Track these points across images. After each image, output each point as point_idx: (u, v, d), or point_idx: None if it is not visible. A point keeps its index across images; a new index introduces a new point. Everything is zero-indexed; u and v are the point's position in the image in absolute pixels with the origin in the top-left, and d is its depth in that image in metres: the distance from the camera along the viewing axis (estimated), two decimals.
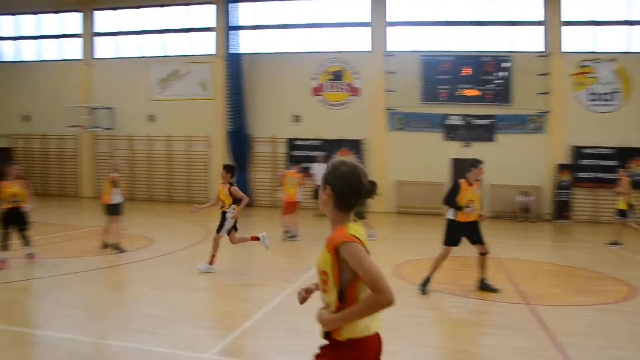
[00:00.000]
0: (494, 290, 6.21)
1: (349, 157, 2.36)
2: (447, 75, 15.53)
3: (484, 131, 15.28)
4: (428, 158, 15.44)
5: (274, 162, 16.27)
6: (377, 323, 2.01)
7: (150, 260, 7.79)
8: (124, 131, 17.68)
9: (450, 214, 6.19)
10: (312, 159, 14.93)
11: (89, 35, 18.19)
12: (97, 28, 18.27)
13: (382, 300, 1.83)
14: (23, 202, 7.03)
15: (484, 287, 6.24)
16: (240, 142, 16.11)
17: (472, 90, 15.44)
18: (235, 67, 16.00)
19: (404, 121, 15.77)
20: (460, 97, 15.40)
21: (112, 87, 17.67)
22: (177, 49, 17.36)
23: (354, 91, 16.00)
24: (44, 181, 18.95)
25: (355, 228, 2.02)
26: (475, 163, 6.27)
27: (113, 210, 8.42)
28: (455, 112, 15.43)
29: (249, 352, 4.30)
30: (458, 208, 6.01)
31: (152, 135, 17.44)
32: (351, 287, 1.91)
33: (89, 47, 18.19)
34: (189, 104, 16.94)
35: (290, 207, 10.03)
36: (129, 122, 17.53)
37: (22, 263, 7.04)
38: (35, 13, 18.93)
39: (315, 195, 13.97)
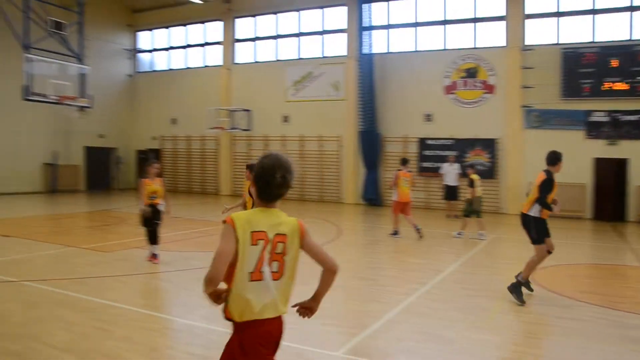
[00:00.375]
0: (530, 290, 7.59)
1: (279, 151, 2.95)
2: (591, 69, 18.81)
3: (632, 128, 17.81)
4: (568, 158, 18.29)
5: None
6: (250, 310, 2.71)
7: None
8: (260, 132, 23.84)
9: (534, 211, 7.29)
10: (443, 159, 18.91)
11: (229, 42, 24.59)
12: (237, 35, 24.32)
13: (204, 280, 2.66)
14: (159, 200, 9.20)
15: (526, 285, 7.51)
16: (371, 141, 21.01)
17: (620, 84, 18.29)
18: (367, 67, 21.33)
19: (541, 119, 19.13)
20: (606, 92, 18.57)
21: (250, 90, 24.33)
22: (311, 52, 22.96)
23: (489, 88, 19.82)
24: (187, 179, 26.44)
25: (249, 213, 2.82)
26: (560, 156, 7.48)
27: None
28: (599, 108, 18.54)
29: (379, 353, 5.12)
30: (547, 206, 7.14)
31: (286, 136, 23.11)
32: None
33: (229, 53, 24.88)
34: (322, 105, 22.35)
35: (402, 207, 13.08)
36: (265, 123, 23.70)
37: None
38: (184, 24, 25.66)
39: (446, 196, 18.05)
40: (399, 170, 13.45)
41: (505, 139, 20.17)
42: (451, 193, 18.54)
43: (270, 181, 2.81)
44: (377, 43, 22.29)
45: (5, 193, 22.27)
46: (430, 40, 21.64)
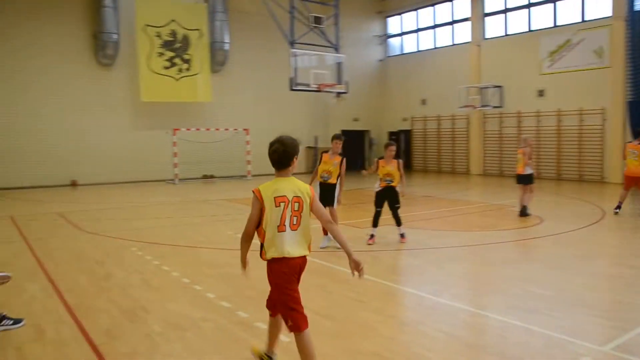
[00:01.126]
0: None
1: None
2: None
3: None
4: None
5: None
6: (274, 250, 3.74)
7: (539, 240, 9.60)
8: (512, 108, 22.64)
9: None
10: None
11: (478, 17, 23.78)
12: (487, 9, 23.30)
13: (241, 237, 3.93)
14: (395, 182, 9.01)
15: None
16: None
17: None
18: (639, 26, 18.02)
19: None
20: None
21: (501, 65, 23.31)
22: (568, 17, 20.95)
23: None
24: (437, 159, 26.21)
25: (274, 183, 3.80)
26: None
27: (526, 179, 12.42)
28: None
29: None
30: None
31: (541, 111, 21.66)
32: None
33: (478, 29, 24.20)
34: (582, 75, 20.55)
35: (630, 182, 12.18)
36: (518, 98, 22.43)
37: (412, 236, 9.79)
38: (432, 5, 25.67)
39: None
40: (629, 142, 12.41)
41: None
42: None
43: (269, 154, 3.84)
44: None
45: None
46: None
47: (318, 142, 27.11)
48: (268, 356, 4.23)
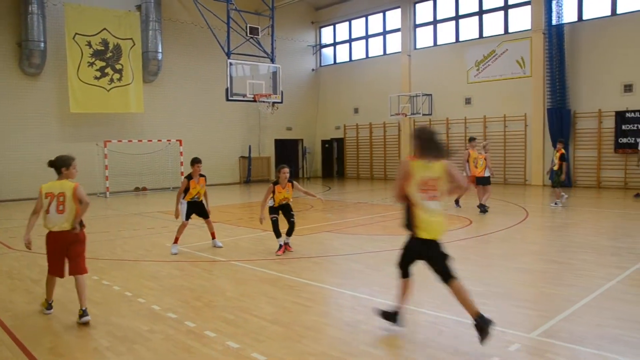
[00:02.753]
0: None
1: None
2: None
3: None
4: None
5: (599, 138, 18.75)
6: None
7: (469, 240, 10.15)
8: (441, 115, 23.58)
9: None
10: None
11: (408, 28, 24.72)
12: (417, 20, 24.22)
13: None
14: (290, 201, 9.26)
15: None
16: (560, 119, 19.70)
17: None
18: (556, 39, 20.21)
19: None
20: None
21: (431, 75, 24.18)
22: (493, 29, 22.12)
23: None
24: (370, 166, 27.51)
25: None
26: None
27: (485, 181, 14.12)
28: None
29: (576, 337, 4.92)
30: None
31: (469, 118, 22.63)
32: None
33: (408, 40, 25.14)
34: (506, 84, 21.61)
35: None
36: (446, 106, 23.42)
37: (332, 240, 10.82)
38: (364, 16, 26.38)
39: None
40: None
41: None
42: None
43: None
44: (566, 12, 20.64)
45: (209, 184, 24.85)
46: (631, 1, 19.47)
47: (252, 152, 27.19)
48: None
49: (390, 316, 5.23)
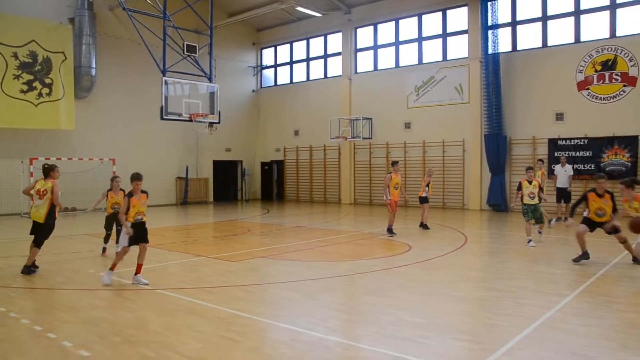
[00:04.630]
0: None
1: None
2: None
3: None
4: None
5: (534, 164, 19.16)
6: None
7: (408, 267, 9.90)
8: (381, 139, 23.62)
9: None
10: (577, 160, 18.16)
11: (349, 52, 24.72)
12: (358, 45, 24.33)
13: None
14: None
15: None
16: (497, 144, 20.08)
17: None
18: (492, 67, 20.56)
19: None
20: None
21: (371, 99, 24.24)
22: (432, 56, 22.33)
23: (629, 81, 18.49)
24: (310, 189, 27.22)
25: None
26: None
27: (424, 200, 15.61)
28: None
29: None
30: None
31: (408, 142, 22.63)
32: None
33: (349, 64, 24.92)
34: (444, 109, 21.87)
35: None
36: (386, 130, 23.50)
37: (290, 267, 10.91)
38: (305, 38, 26.28)
39: (558, 199, 17.19)
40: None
41: None
42: (563, 195, 17.09)
43: None
44: (502, 42, 21.20)
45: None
46: (561, 34, 20.21)
47: (189, 173, 26.40)
48: None
49: None
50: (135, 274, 8.57)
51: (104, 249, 11.51)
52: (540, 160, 17.87)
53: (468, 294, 7.97)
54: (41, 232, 9.51)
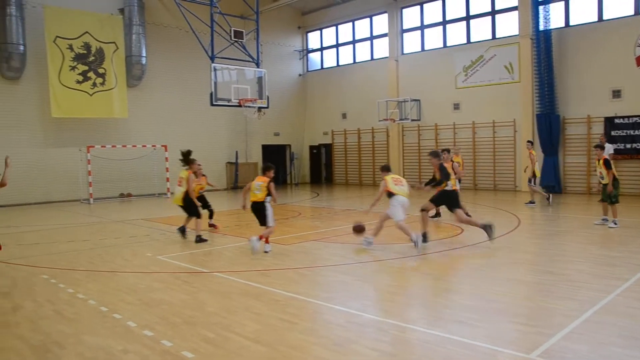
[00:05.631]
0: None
1: None
2: None
3: None
4: None
5: (589, 144, 18.59)
6: None
7: (460, 250, 9.90)
8: (429, 121, 23.39)
9: None
10: (636, 139, 17.29)
11: (396, 33, 24.46)
12: (404, 25, 23.99)
13: None
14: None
15: None
16: (549, 124, 19.55)
17: None
18: (544, 45, 20.15)
19: None
20: None
21: (419, 80, 23.98)
22: (480, 34, 22.03)
23: None
24: (359, 172, 27.22)
25: None
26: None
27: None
28: None
29: (580, 358, 4.62)
30: None
31: (457, 123, 22.30)
32: None
33: (396, 45, 24.85)
34: (494, 89, 21.36)
35: None
36: (435, 111, 23.21)
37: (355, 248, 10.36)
38: (351, 21, 26.10)
39: None
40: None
41: None
42: None
43: None
44: (554, 17, 20.51)
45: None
46: (619, 5, 19.36)
47: (239, 157, 26.79)
48: None
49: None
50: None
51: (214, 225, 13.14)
52: (529, 141, 17.69)
53: (523, 277, 7.84)
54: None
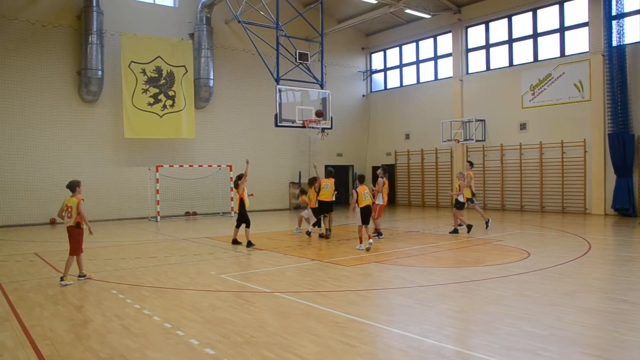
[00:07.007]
0: None
1: None
2: None
3: None
4: None
5: None
6: None
7: (527, 275, 9.49)
8: (495, 141, 22.77)
9: None
10: None
11: (460, 52, 24.08)
12: (469, 45, 23.66)
13: None
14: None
15: None
16: (623, 144, 18.68)
17: None
18: (617, 61, 19.40)
19: None
20: None
21: (483, 100, 23.49)
22: (548, 52, 21.31)
23: None
24: (422, 193, 26.66)
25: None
26: None
27: (460, 205, 15.50)
28: None
29: None
30: None
31: (524, 144, 21.60)
32: None
33: (460, 64, 24.47)
34: (563, 108, 20.71)
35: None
36: (500, 132, 22.68)
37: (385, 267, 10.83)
38: (414, 41, 26.04)
39: None
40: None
41: None
42: None
43: None
44: (628, 32, 19.71)
45: (260, 210, 24.82)
46: None
47: (301, 178, 27.04)
48: None
49: None
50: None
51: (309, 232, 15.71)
52: (469, 162, 17.70)
53: (594, 305, 7.46)
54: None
